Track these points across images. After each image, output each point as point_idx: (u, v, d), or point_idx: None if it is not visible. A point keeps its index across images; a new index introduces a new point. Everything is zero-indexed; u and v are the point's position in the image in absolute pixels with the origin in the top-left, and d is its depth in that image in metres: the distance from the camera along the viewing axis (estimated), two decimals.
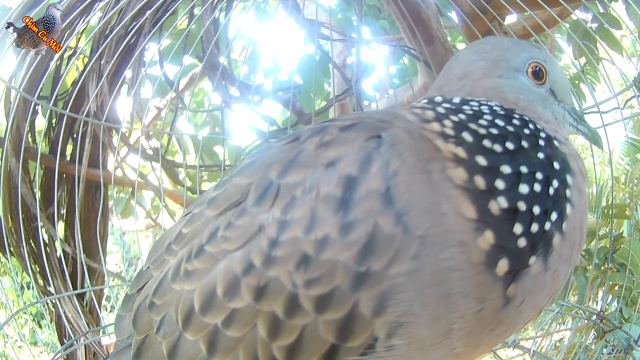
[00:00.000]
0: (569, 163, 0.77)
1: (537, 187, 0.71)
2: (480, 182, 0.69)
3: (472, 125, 0.74)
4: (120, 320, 0.94)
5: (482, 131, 0.74)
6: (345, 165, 0.69)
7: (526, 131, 0.76)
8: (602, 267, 2.41)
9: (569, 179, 0.75)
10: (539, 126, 0.78)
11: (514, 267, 0.69)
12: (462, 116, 0.76)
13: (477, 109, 0.78)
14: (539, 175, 0.72)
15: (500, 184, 0.70)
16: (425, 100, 0.85)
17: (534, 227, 0.69)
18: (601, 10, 2.15)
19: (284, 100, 2.64)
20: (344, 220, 0.66)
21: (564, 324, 2.70)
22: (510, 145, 0.73)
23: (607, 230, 2.49)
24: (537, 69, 0.84)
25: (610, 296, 2.51)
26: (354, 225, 0.66)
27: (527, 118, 0.79)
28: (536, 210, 0.70)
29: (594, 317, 1.84)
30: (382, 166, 0.68)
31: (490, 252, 0.68)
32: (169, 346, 0.78)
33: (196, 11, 2.17)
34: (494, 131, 0.74)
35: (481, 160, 0.71)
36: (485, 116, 0.76)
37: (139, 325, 0.85)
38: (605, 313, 2.11)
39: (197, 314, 0.74)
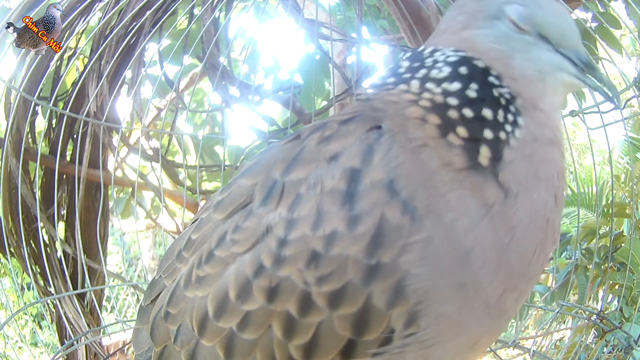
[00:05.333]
0: (522, 114, 0.75)
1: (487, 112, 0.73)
2: (438, 99, 0.73)
3: (432, 74, 0.76)
4: (138, 334, 0.93)
5: (440, 76, 0.75)
6: (348, 158, 0.69)
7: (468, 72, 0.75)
8: (603, 266, 2.41)
9: (519, 120, 0.74)
10: (504, 83, 0.75)
11: (493, 154, 0.71)
12: (423, 71, 0.77)
13: (434, 59, 0.78)
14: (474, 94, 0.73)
15: (452, 101, 0.72)
16: (406, 64, 0.82)
17: (487, 133, 0.72)
18: (601, 10, 2.15)
19: (284, 100, 2.64)
20: (350, 213, 0.66)
21: (564, 323, 2.70)
22: (457, 85, 0.74)
23: (608, 229, 2.49)
24: None
25: (611, 295, 2.51)
26: (360, 217, 0.65)
27: (493, 71, 0.76)
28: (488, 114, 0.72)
29: (594, 316, 1.84)
30: (384, 156, 0.68)
31: (467, 146, 0.70)
32: (187, 355, 0.77)
33: (196, 11, 2.16)
34: (445, 74, 0.75)
35: (436, 90, 0.74)
36: (438, 64, 0.77)
37: (157, 336, 0.84)
38: (606, 312, 2.11)
39: (212, 320, 0.73)
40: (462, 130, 0.71)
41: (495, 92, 0.74)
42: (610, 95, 0.77)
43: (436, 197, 0.68)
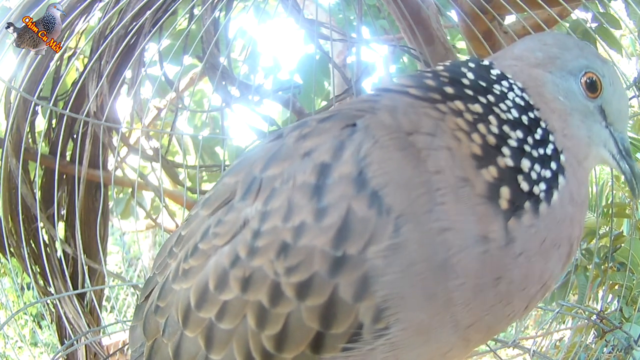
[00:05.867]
0: (565, 171, 0.76)
1: (537, 166, 0.74)
2: (491, 140, 0.73)
3: (496, 109, 0.76)
4: (133, 331, 0.95)
5: (504, 117, 0.75)
6: (320, 154, 0.71)
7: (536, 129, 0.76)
8: (603, 266, 2.41)
9: (561, 179, 0.75)
10: (551, 138, 0.77)
11: (514, 198, 0.71)
12: (491, 98, 0.76)
13: (504, 91, 0.77)
14: (534, 153, 0.74)
15: (506, 151, 0.73)
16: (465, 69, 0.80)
17: (525, 185, 0.72)
18: (601, 10, 2.15)
19: (284, 100, 2.64)
20: (318, 205, 0.67)
21: (564, 323, 2.70)
22: (520, 134, 0.74)
23: (607, 229, 2.49)
24: (592, 80, 0.80)
25: (611, 295, 2.51)
26: (327, 210, 0.67)
27: (543, 124, 0.77)
28: (534, 170, 0.73)
29: (594, 316, 1.84)
30: (354, 151, 0.69)
31: (493, 184, 0.71)
32: (173, 347, 0.79)
33: (196, 11, 2.17)
34: (511, 117, 0.75)
35: (494, 129, 0.74)
36: (507, 101, 0.77)
37: (148, 330, 0.86)
38: (606, 312, 2.11)
39: (194, 310, 0.76)
40: (493, 171, 0.71)
41: (542, 150, 0.75)
42: (635, 187, 0.85)
43: (422, 200, 0.68)
